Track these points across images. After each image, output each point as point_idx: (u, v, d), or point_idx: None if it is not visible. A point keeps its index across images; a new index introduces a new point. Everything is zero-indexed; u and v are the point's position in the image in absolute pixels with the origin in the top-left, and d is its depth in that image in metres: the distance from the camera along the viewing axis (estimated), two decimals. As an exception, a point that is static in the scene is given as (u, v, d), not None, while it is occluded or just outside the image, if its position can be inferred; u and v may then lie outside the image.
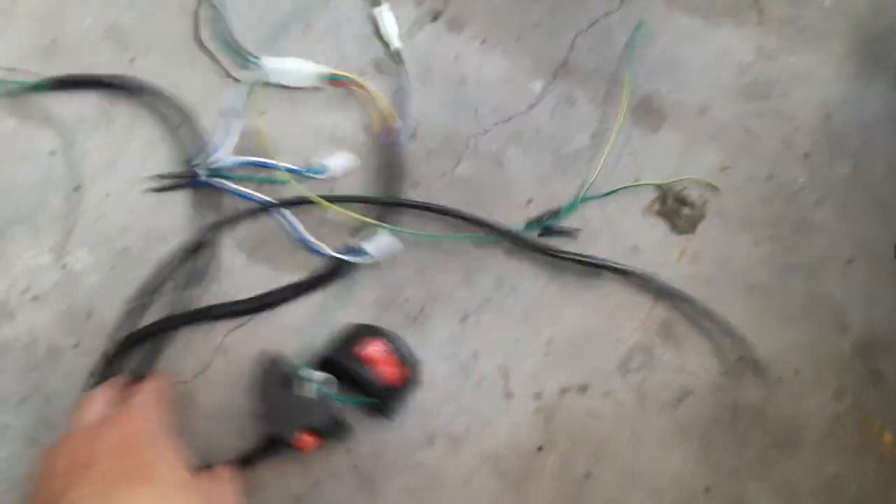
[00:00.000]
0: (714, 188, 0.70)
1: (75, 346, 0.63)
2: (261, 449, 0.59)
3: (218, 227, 0.65)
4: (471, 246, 0.68)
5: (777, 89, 0.73)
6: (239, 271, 0.65)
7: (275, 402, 0.58)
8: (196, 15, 0.71)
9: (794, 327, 0.66)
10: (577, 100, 0.72)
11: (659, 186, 0.69)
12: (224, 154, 0.67)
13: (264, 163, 0.67)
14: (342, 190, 0.68)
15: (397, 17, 0.73)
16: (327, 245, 0.65)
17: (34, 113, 0.68)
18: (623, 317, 0.66)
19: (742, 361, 0.65)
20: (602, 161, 0.69)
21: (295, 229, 0.66)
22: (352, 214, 0.66)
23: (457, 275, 0.67)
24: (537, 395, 0.64)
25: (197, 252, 0.64)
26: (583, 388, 0.64)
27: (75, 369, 0.62)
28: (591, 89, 0.72)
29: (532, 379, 0.64)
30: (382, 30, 0.72)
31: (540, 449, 0.63)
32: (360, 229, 0.66)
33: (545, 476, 0.62)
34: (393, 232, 0.65)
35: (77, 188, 0.66)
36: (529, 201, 0.69)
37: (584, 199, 0.68)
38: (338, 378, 0.58)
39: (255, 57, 0.69)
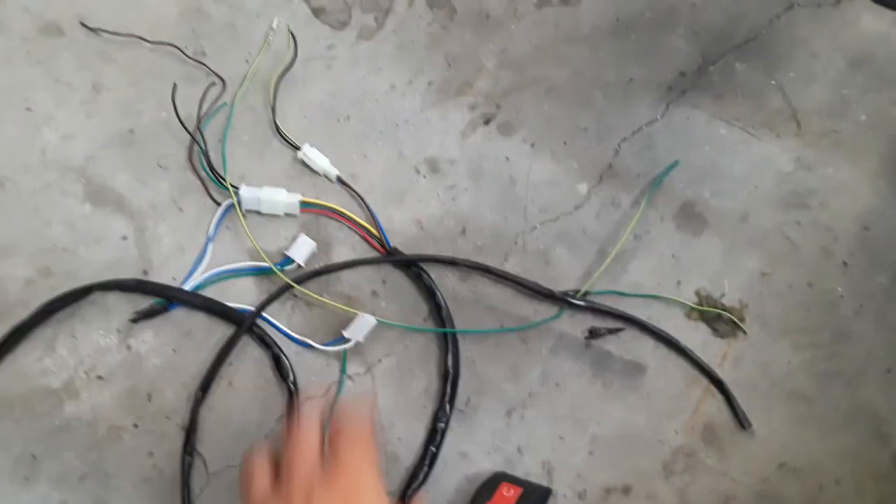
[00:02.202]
0: (755, 295, 0.72)
1: (135, 426, 0.65)
2: None
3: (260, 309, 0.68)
4: (516, 340, 0.70)
5: (815, 199, 0.76)
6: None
7: None
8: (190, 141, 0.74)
9: (835, 436, 0.67)
10: (621, 203, 0.75)
11: (700, 290, 0.72)
12: (197, 276, 0.69)
13: (231, 270, 0.70)
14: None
15: (451, 121, 0.78)
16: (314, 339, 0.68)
17: (109, 198, 0.72)
18: (666, 417, 0.67)
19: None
20: (644, 262, 0.72)
21: (276, 328, 0.69)
22: (330, 303, 0.69)
23: (503, 368, 0.69)
24: (581, 495, 0.65)
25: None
26: (626, 490, 0.65)
27: (134, 449, 0.65)
28: (634, 193, 0.76)
29: (576, 477, 0.65)
30: (316, 167, 0.74)
31: (583, 549, 0.64)
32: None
33: (588, 577, 0.63)
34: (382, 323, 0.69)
35: (145, 272, 0.70)
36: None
37: (626, 296, 0.71)
38: None
39: (235, 186, 0.71)
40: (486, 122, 0.79)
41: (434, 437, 0.65)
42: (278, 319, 0.69)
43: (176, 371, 0.67)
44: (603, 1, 0.84)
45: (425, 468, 0.65)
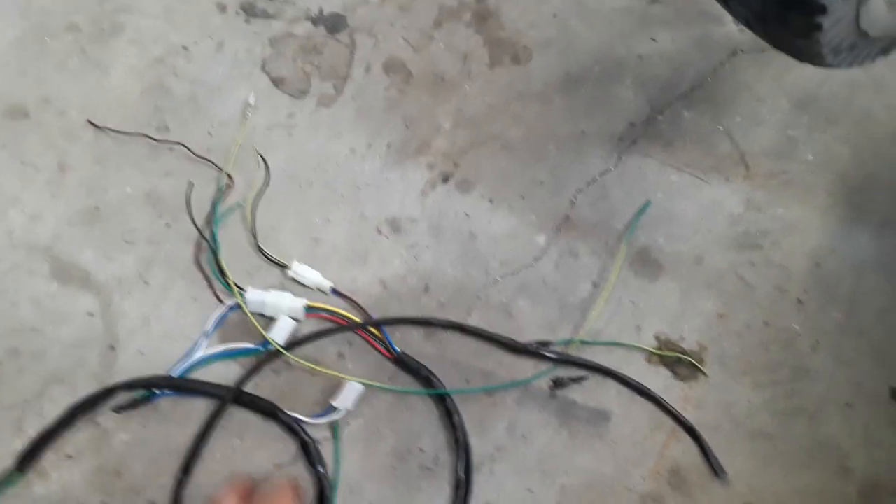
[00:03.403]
0: (713, 336, 0.73)
1: None
2: None
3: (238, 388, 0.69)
4: (482, 394, 0.71)
5: (767, 239, 0.78)
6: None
7: None
8: (197, 242, 0.76)
9: (800, 473, 0.68)
10: (579, 252, 0.77)
11: (660, 335, 0.73)
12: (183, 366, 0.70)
13: (218, 354, 0.70)
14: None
15: (411, 180, 0.80)
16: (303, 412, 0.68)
17: (75, 276, 0.74)
18: (632, 464, 0.68)
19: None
20: (604, 310, 0.73)
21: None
22: (325, 371, 0.70)
23: (470, 423, 0.69)
24: (552, 547, 0.65)
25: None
26: (596, 540, 0.66)
27: (103, 527, 0.65)
28: (592, 242, 0.78)
29: (546, 530, 0.66)
30: (309, 282, 0.74)
31: None
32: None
33: None
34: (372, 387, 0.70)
35: (112, 347, 0.71)
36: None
37: (588, 344, 0.72)
38: None
39: (241, 288, 0.72)
40: (445, 180, 0.81)
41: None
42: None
43: (145, 446, 0.67)
44: (552, 58, 0.87)
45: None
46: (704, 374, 0.71)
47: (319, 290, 0.74)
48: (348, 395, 0.68)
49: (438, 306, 0.75)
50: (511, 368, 0.72)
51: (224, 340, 0.72)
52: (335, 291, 0.74)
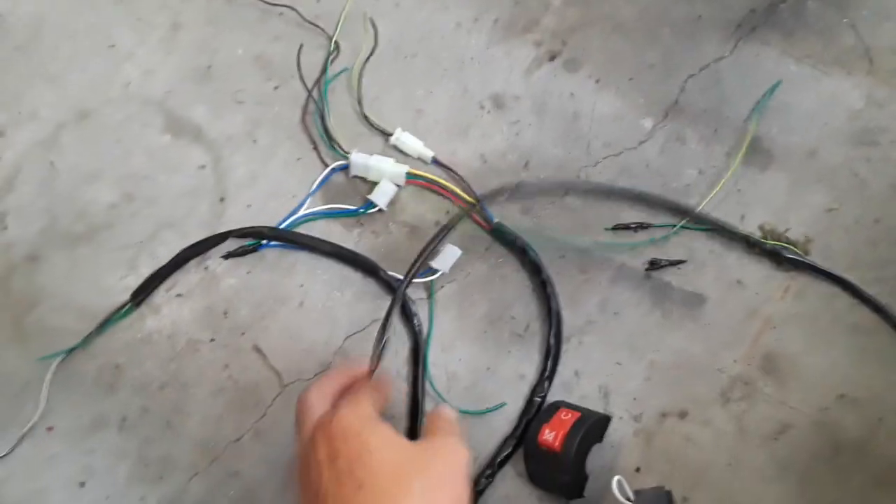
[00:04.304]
0: (820, 229, 0.71)
1: (211, 340, 0.69)
2: None
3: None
4: (575, 270, 0.71)
5: (887, 137, 0.74)
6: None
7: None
8: (304, 105, 0.77)
9: (899, 370, 0.67)
10: (686, 138, 0.75)
11: (765, 224, 0.71)
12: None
13: (319, 212, 0.73)
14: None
15: (517, 57, 0.78)
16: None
17: (187, 130, 0.76)
18: (725, 347, 0.68)
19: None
20: (709, 196, 0.72)
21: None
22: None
23: (562, 296, 0.70)
24: (637, 418, 0.66)
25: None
26: (682, 415, 0.66)
27: (210, 362, 0.69)
28: (700, 129, 0.75)
29: (632, 401, 0.67)
30: (410, 151, 0.74)
31: (637, 470, 0.65)
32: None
33: (643, 496, 0.64)
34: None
35: (222, 199, 0.73)
36: (636, 231, 0.72)
37: (690, 229, 0.71)
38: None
39: (346, 151, 0.73)
40: (552, 58, 0.79)
41: (529, 409, 0.66)
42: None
43: (250, 291, 0.70)
44: (671, -63, 0.83)
45: (515, 438, 0.65)
46: (808, 266, 0.69)
47: (421, 158, 0.74)
48: (446, 258, 0.69)
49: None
50: (606, 248, 0.71)
51: (327, 201, 0.73)
52: (436, 161, 0.74)
